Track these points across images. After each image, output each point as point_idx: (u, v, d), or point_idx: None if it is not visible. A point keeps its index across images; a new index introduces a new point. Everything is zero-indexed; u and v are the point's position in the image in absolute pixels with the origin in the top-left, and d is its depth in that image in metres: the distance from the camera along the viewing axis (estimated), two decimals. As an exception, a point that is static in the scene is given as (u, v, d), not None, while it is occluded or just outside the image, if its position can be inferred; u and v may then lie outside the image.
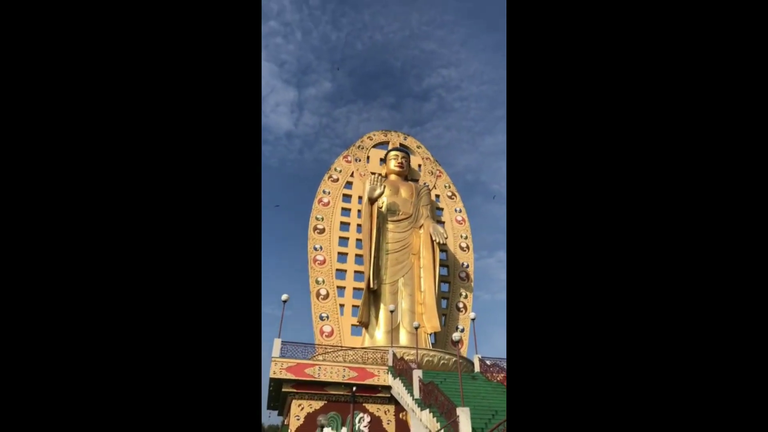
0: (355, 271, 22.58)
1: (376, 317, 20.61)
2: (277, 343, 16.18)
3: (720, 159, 2.41)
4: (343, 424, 15.40)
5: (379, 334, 20.05)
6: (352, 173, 25.54)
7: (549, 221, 2.66)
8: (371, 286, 20.46)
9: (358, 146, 26.86)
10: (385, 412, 15.99)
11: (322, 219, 23.44)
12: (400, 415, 15.89)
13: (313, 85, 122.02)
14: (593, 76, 2.72)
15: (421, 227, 22.76)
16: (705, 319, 2.31)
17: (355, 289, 22.02)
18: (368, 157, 26.66)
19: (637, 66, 2.67)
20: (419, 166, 27.51)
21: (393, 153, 25.98)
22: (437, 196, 26.47)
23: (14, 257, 2.21)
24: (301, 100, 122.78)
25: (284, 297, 17.66)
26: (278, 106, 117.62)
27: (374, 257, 20.92)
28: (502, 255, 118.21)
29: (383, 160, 26.37)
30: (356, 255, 22.92)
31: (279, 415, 21.30)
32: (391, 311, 19.60)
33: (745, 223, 2.32)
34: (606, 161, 2.62)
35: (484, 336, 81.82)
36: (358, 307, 20.83)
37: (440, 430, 11.17)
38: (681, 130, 2.53)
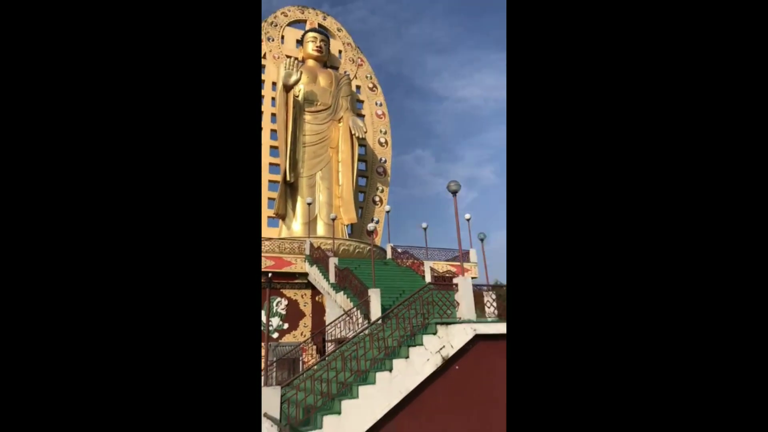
0: (270, 163, 21.70)
1: (294, 209, 20.58)
2: (188, 235, 15.63)
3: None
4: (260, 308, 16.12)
5: (296, 226, 20.25)
6: (265, 54, 22.98)
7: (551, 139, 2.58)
8: (288, 179, 19.97)
9: (271, 23, 23.81)
10: (302, 296, 16.93)
11: (232, 105, 21.37)
12: (317, 298, 16.98)
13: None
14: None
15: (340, 120, 21.96)
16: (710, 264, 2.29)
17: (270, 181, 21.38)
18: (282, 37, 23.94)
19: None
20: (339, 52, 25.52)
21: (311, 35, 23.54)
22: (358, 87, 25.28)
23: (14, 257, 2.24)
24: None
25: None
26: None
27: (290, 150, 20.08)
28: (420, 152, 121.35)
29: (300, 42, 23.91)
30: (271, 147, 21.80)
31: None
32: (309, 204, 19.64)
33: (745, 222, 2.28)
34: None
35: (398, 227, 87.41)
36: (274, 199, 20.49)
37: (353, 308, 12.21)
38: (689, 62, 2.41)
